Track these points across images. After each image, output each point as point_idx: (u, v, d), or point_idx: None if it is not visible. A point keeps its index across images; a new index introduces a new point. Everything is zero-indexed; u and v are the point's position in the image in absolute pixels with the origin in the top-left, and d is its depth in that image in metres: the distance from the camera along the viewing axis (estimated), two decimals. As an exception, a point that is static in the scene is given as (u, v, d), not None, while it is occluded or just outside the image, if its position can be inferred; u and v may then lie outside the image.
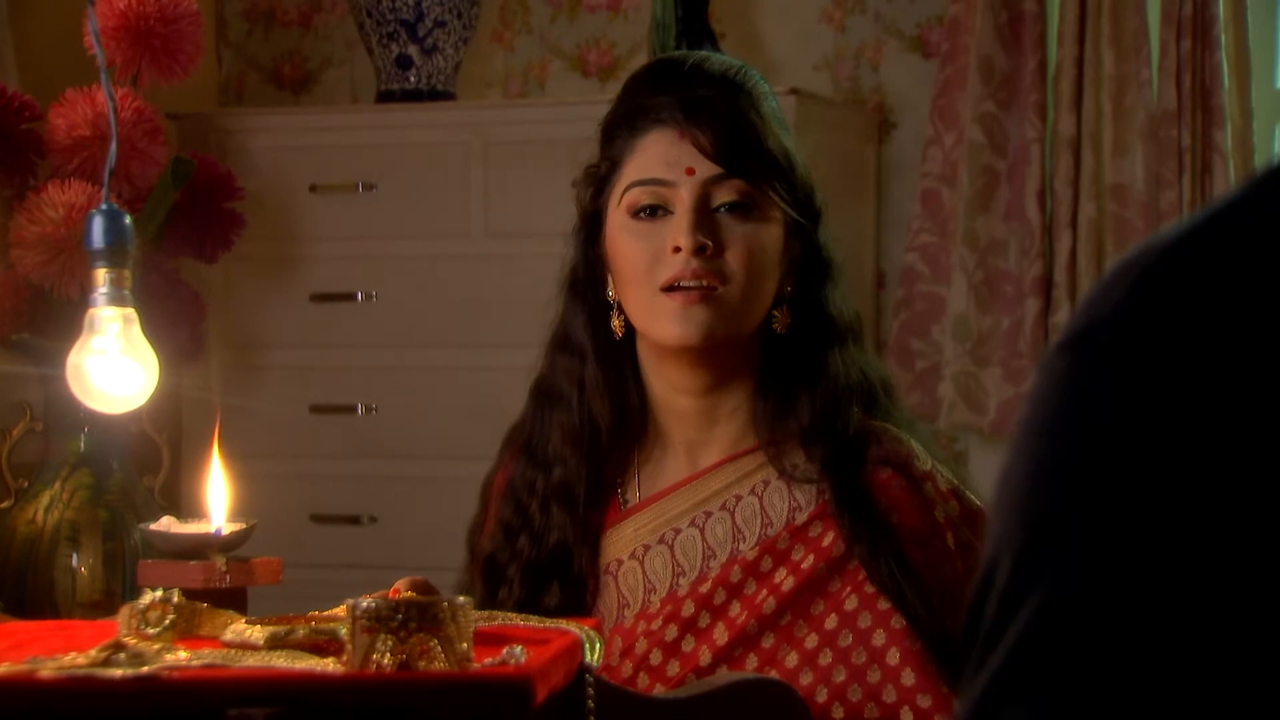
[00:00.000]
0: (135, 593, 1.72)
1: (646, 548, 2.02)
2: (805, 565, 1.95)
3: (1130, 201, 3.60)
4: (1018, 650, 0.83)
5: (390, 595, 1.69)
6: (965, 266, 3.69)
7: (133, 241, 2.00)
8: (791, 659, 1.92)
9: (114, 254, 1.98)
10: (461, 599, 1.46)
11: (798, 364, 2.00)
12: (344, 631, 1.47)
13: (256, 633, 1.56)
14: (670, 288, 1.94)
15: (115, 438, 2.66)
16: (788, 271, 2.01)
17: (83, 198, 2.61)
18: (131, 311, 2.01)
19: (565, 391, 2.05)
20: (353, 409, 3.65)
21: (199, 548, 1.84)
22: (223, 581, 1.80)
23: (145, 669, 1.44)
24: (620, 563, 2.03)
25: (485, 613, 1.77)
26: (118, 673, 1.43)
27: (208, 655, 1.50)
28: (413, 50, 3.74)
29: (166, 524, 1.87)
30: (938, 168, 3.75)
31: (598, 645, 1.63)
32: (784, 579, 1.95)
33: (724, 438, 2.03)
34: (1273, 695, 0.79)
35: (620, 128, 2.01)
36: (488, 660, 1.46)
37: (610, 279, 2.02)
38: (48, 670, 1.44)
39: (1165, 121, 3.58)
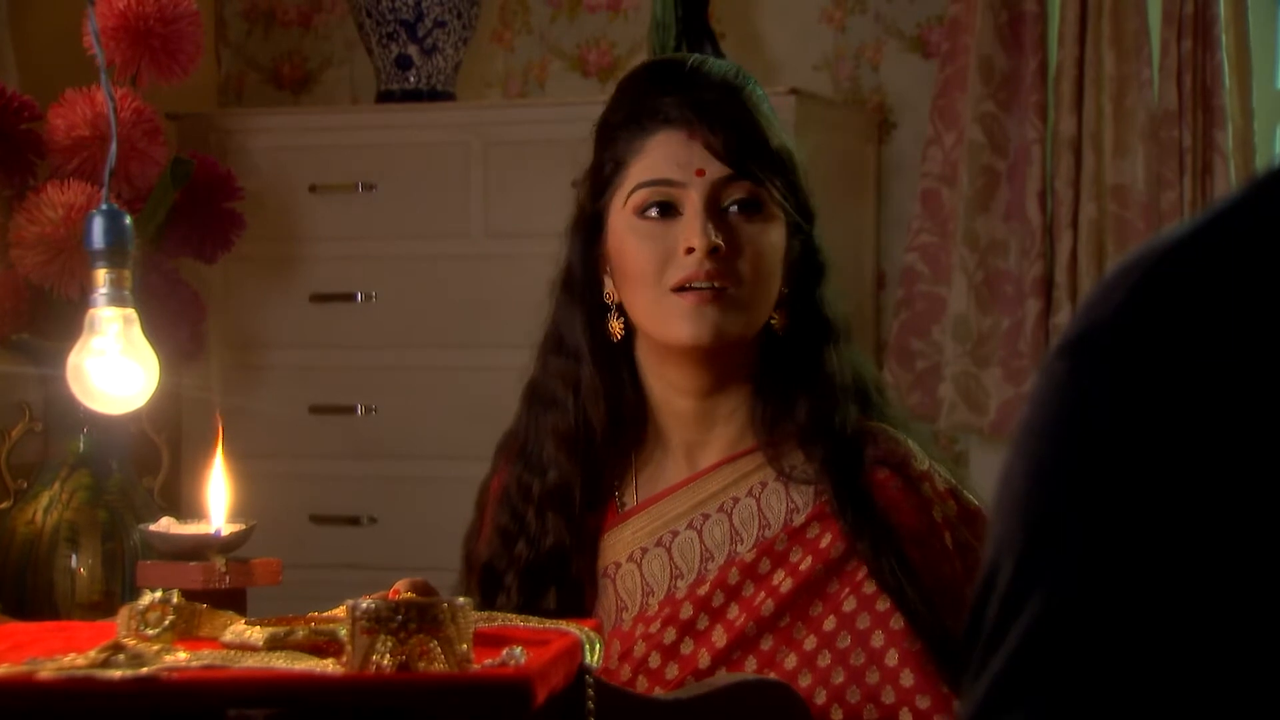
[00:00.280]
0: (134, 594, 1.72)
1: (644, 550, 2.02)
2: (803, 567, 1.95)
3: (1131, 202, 3.60)
4: (1018, 654, 0.83)
5: (390, 596, 1.69)
6: (965, 267, 3.69)
7: (132, 242, 2.00)
8: (790, 661, 1.92)
9: (114, 254, 1.97)
10: (461, 600, 1.46)
11: (795, 365, 2.00)
12: (343, 632, 1.47)
13: (256, 634, 1.56)
14: (681, 288, 1.94)
15: (115, 438, 2.66)
16: (786, 272, 2.01)
17: (82, 198, 2.61)
18: (131, 312, 2.00)
19: (559, 394, 2.04)
20: (352, 409, 3.64)
21: (198, 549, 1.83)
22: (222, 582, 1.80)
23: (144, 670, 1.44)
24: (618, 566, 2.03)
25: (485, 614, 1.77)
26: (117, 674, 1.43)
27: (207, 656, 1.50)
28: (412, 50, 3.74)
29: (166, 525, 1.87)
30: (938, 168, 3.75)
31: (598, 646, 1.63)
32: (782, 581, 1.95)
33: (723, 439, 2.02)
34: (1273, 696, 0.79)
35: (623, 128, 2.00)
36: (487, 661, 1.46)
37: (609, 280, 2.02)
38: (47, 671, 1.44)
39: (1166, 122, 3.58)
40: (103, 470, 2.65)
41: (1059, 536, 0.83)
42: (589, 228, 2.03)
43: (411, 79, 3.76)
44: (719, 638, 1.95)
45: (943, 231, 3.75)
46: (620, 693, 1.71)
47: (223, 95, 4.23)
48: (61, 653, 1.50)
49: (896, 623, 1.90)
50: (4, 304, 2.68)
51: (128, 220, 2.00)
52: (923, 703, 1.87)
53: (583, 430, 2.03)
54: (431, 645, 1.42)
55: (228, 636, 1.60)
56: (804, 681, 1.90)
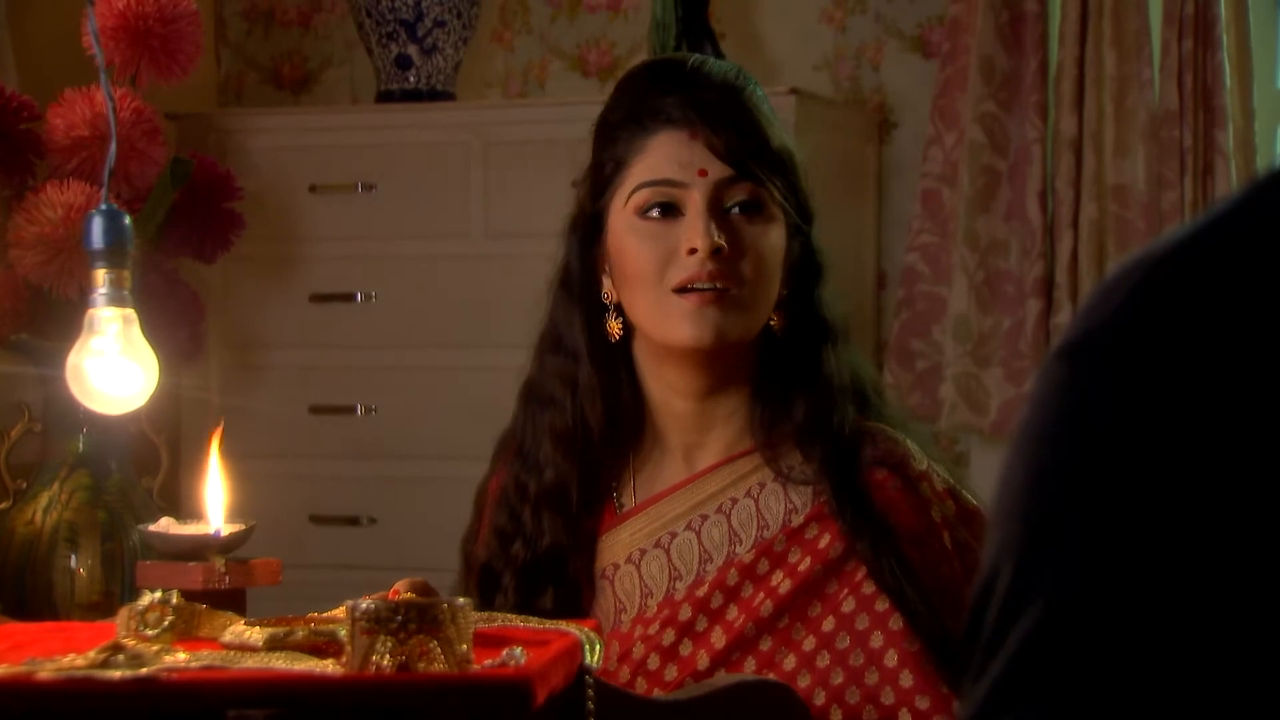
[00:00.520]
0: (134, 594, 1.72)
1: (643, 552, 2.01)
2: (802, 568, 1.94)
3: (1132, 202, 3.60)
4: (1018, 657, 0.83)
5: (390, 596, 1.68)
6: (966, 267, 3.69)
7: (132, 242, 1.99)
8: (789, 661, 1.92)
9: (113, 254, 1.97)
10: (461, 600, 1.46)
11: (794, 366, 2.00)
12: (343, 633, 1.47)
13: (255, 634, 1.56)
14: (683, 289, 1.94)
15: (114, 438, 2.65)
16: (786, 273, 2.00)
17: (82, 198, 2.60)
18: (131, 312, 2.00)
19: (557, 393, 2.04)
20: (352, 409, 3.64)
21: (198, 549, 1.83)
22: (222, 583, 1.80)
23: (144, 671, 1.43)
24: (616, 567, 2.02)
25: (485, 614, 1.76)
26: (116, 674, 1.43)
27: (207, 657, 1.50)
28: (412, 50, 3.74)
29: (165, 525, 1.87)
30: (938, 168, 3.75)
31: (598, 647, 1.63)
32: (781, 581, 1.94)
33: (721, 440, 2.02)
34: (1272, 699, 0.79)
35: (623, 128, 2.00)
36: (487, 662, 1.46)
37: (608, 280, 2.02)
38: (46, 672, 1.44)
39: (1167, 122, 3.58)
40: (102, 470, 2.65)
41: (1059, 538, 0.83)
42: (588, 227, 2.03)
43: (411, 79, 3.76)
44: (718, 639, 1.94)
45: (943, 231, 3.75)
46: (620, 693, 1.71)
47: (222, 95, 4.22)
48: (61, 653, 1.50)
49: (895, 623, 1.90)
50: (3, 304, 2.68)
51: (127, 220, 2.00)
52: (922, 703, 1.87)
53: (580, 429, 2.03)
54: (431, 646, 1.41)
55: (227, 637, 1.59)
56: (803, 682, 1.90)
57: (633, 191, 1.98)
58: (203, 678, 1.45)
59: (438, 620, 1.42)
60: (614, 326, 2.01)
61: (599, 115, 2.05)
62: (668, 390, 2.02)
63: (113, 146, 2.10)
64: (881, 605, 1.91)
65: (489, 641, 1.55)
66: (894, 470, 1.96)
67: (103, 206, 1.99)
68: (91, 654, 1.46)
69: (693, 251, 1.94)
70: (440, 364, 3.61)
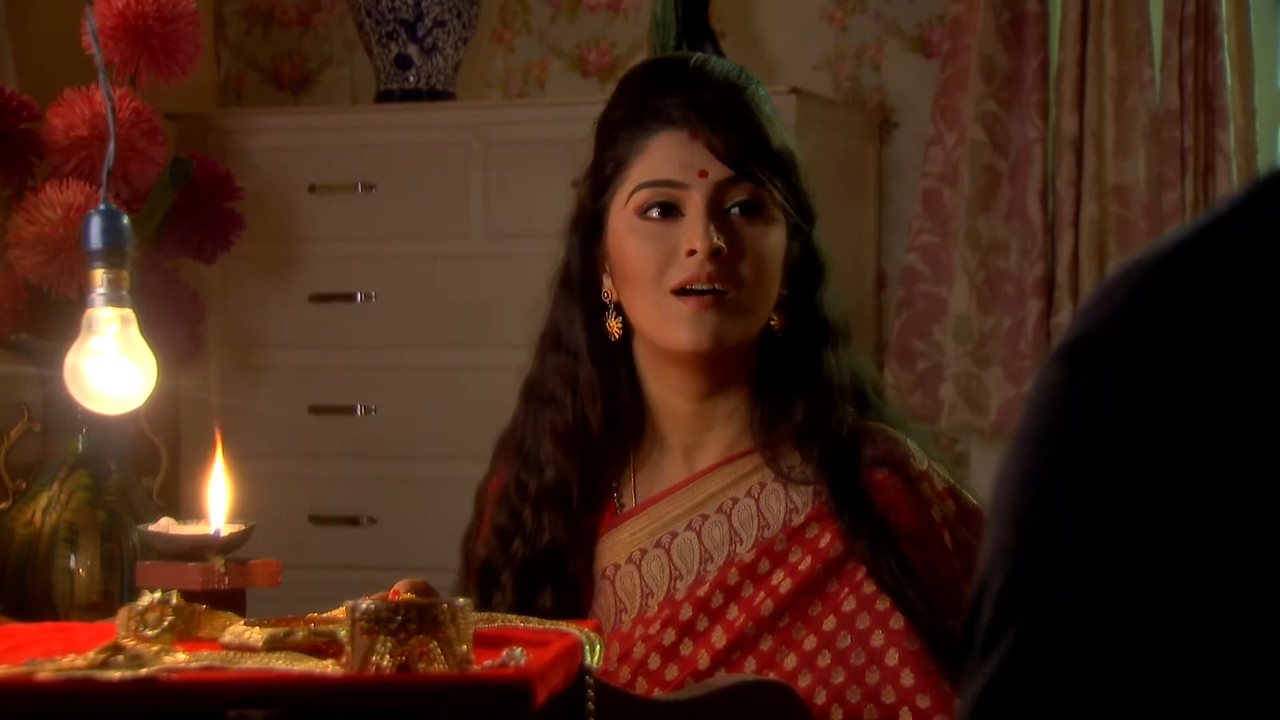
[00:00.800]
0: (134, 594, 1.72)
1: (643, 551, 2.01)
2: (803, 567, 1.94)
3: (1132, 202, 3.60)
4: (1012, 657, 0.82)
5: (390, 597, 1.68)
6: (967, 267, 3.68)
7: (131, 242, 1.99)
8: (790, 661, 1.92)
9: (112, 254, 1.97)
10: (461, 600, 1.46)
11: (793, 366, 2.00)
12: (343, 633, 1.47)
13: (255, 634, 1.56)
14: (682, 291, 1.94)
15: (113, 438, 2.65)
16: (785, 274, 2.00)
17: (81, 198, 2.60)
18: (130, 312, 2.00)
19: (558, 391, 2.04)
20: (352, 409, 3.64)
21: (197, 549, 1.83)
22: (221, 583, 1.80)
23: (144, 671, 1.43)
24: (617, 567, 2.02)
25: (485, 614, 1.76)
26: (116, 675, 1.42)
27: (206, 657, 1.50)
28: (412, 50, 3.74)
29: (165, 525, 1.87)
30: (939, 168, 3.75)
31: (598, 647, 1.62)
32: (781, 581, 1.94)
33: (721, 440, 2.02)
34: (1268, 700, 0.79)
35: (624, 127, 2.00)
36: (487, 662, 1.46)
37: (608, 280, 2.01)
38: (46, 672, 1.44)
39: (1168, 121, 3.58)
40: (101, 471, 2.65)
41: (1056, 538, 0.83)
42: (589, 226, 2.03)
43: (411, 79, 3.76)
44: (718, 638, 1.94)
45: (944, 231, 3.75)
46: (620, 694, 1.71)
47: (222, 95, 4.22)
48: (61, 654, 1.50)
49: (896, 622, 1.90)
50: (3, 304, 2.68)
51: (126, 220, 1.99)
52: (923, 702, 1.87)
53: (580, 428, 2.03)
54: (431, 646, 1.41)
55: (227, 637, 1.59)
56: (804, 681, 1.90)
57: (633, 191, 1.98)
58: (203, 678, 1.44)
59: (438, 620, 1.42)
60: (614, 326, 2.01)
61: (600, 115, 2.05)
62: (667, 390, 2.02)
63: (111, 146, 2.09)
64: (882, 604, 1.91)
65: (489, 642, 1.55)
66: (894, 470, 1.96)
67: (101, 206, 1.99)
68: (91, 654, 1.46)
69: (692, 253, 1.93)
70: (440, 364, 3.61)
